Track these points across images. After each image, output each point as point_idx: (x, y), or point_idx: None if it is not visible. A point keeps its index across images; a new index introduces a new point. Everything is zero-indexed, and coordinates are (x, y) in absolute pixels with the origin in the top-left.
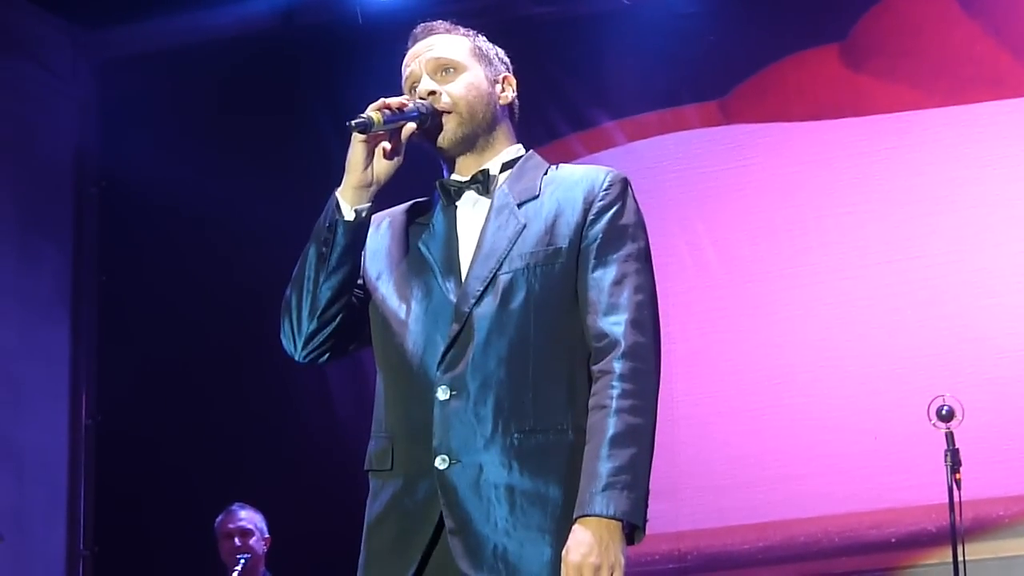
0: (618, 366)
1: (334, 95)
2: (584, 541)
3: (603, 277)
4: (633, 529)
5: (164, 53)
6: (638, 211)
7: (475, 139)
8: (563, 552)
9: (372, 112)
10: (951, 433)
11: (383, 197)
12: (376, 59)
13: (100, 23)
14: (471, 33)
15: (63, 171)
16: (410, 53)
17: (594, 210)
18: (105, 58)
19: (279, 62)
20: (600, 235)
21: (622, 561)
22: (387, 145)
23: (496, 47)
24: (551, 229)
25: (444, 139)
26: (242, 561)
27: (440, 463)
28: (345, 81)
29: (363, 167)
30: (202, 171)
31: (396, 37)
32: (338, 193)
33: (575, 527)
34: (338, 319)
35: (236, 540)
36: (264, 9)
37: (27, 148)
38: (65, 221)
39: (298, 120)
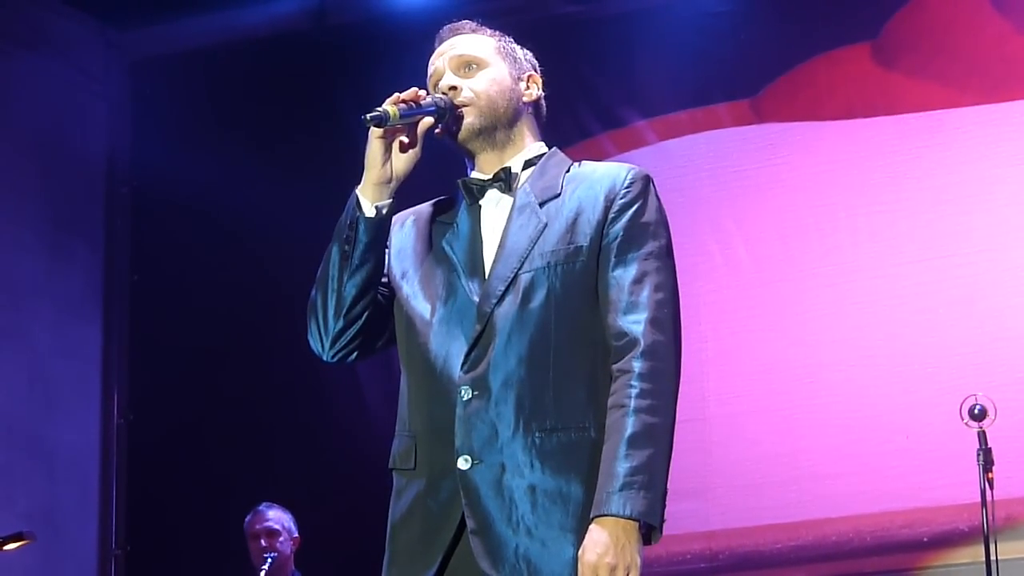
0: (637, 365)
1: (365, 95)
2: (600, 541)
3: (623, 275)
4: (650, 529)
5: (195, 53)
6: (660, 208)
7: (494, 132)
8: (580, 552)
9: (388, 106)
10: (983, 432)
11: (408, 195)
12: (408, 58)
13: (132, 23)
14: (497, 34)
15: (95, 171)
16: (435, 52)
17: (615, 208)
18: (136, 58)
19: (311, 62)
20: (621, 233)
21: (638, 561)
22: (404, 140)
23: (524, 50)
24: (572, 228)
25: (463, 131)
26: (268, 561)
27: (463, 463)
28: (377, 80)
29: (381, 163)
30: (233, 171)
31: (427, 36)
32: (358, 191)
33: (591, 527)
34: (364, 317)
35: (263, 540)
36: (296, 9)
37: (59, 148)
38: (96, 220)
39: (329, 119)
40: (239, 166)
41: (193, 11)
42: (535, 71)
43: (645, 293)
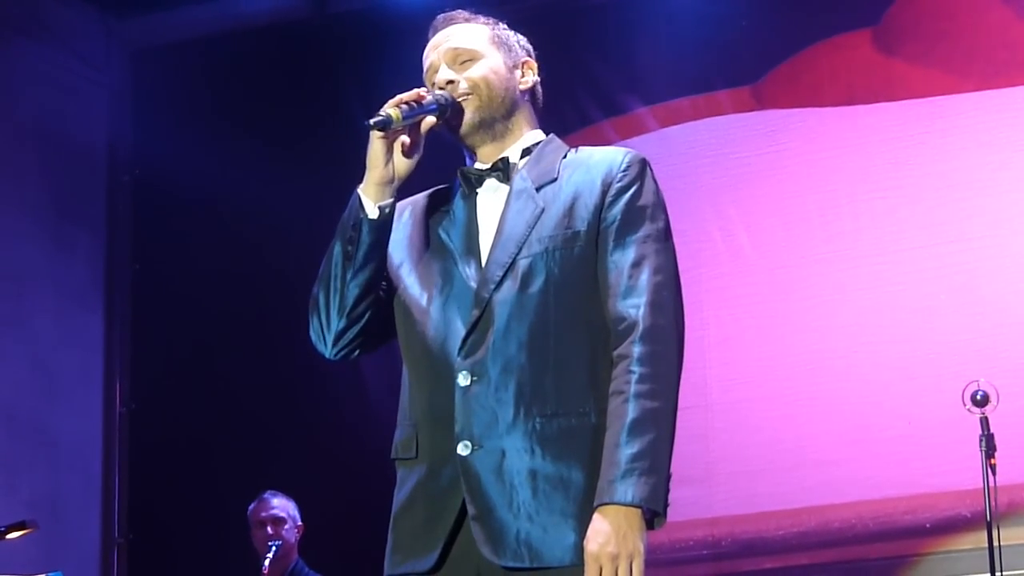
0: (636, 350)
1: (367, 83)
2: (602, 530)
3: (622, 259)
4: (654, 515)
5: (197, 42)
6: (657, 191)
7: (493, 124)
8: (584, 542)
9: (390, 109)
10: (986, 418)
11: (406, 186)
12: (409, 46)
13: (133, 12)
14: (491, 22)
15: (96, 159)
16: (430, 44)
17: (612, 192)
18: (138, 47)
19: (312, 50)
20: (618, 217)
21: (641, 548)
22: (406, 140)
23: (518, 35)
24: (570, 212)
25: (463, 126)
26: (273, 548)
27: (462, 449)
28: (378, 69)
29: (384, 163)
30: (234, 160)
31: (429, 23)
32: (360, 190)
33: (594, 516)
34: (367, 315)
35: (268, 528)
36: None
37: (61, 136)
38: (98, 209)
39: (331, 108)
40: (240, 155)
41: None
42: (530, 57)
43: (644, 276)
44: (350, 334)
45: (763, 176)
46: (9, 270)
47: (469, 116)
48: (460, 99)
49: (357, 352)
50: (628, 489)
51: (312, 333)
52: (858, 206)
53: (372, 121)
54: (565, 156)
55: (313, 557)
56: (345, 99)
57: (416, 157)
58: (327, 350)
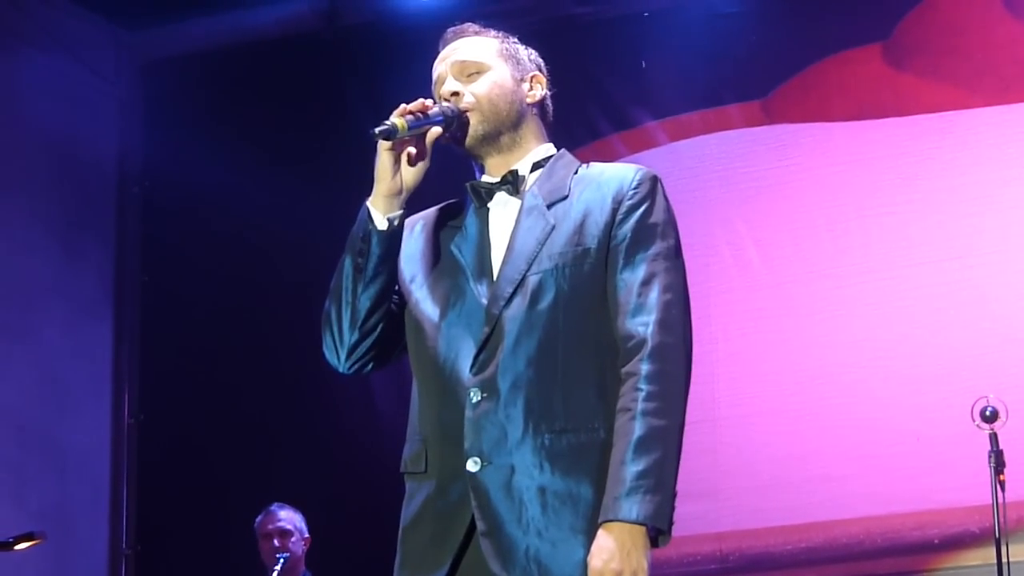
0: (644, 368)
1: (376, 95)
2: (606, 547)
3: (632, 277)
4: (659, 533)
5: (206, 54)
6: (668, 209)
7: (499, 136)
8: (588, 558)
9: (396, 119)
10: (995, 434)
11: (417, 199)
12: (419, 59)
13: (143, 24)
14: (500, 35)
15: (106, 171)
16: (439, 57)
17: (623, 209)
18: (148, 59)
19: (321, 62)
20: (629, 234)
21: (645, 566)
22: (412, 151)
23: (529, 49)
24: (580, 229)
25: (468, 137)
26: (281, 561)
27: (472, 465)
28: (388, 82)
29: (391, 175)
30: (244, 171)
31: (438, 37)
32: (369, 203)
33: (599, 532)
34: (379, 328)
35: (275, 540)
36: (306, 10)
37: (71, 148)
38: (108, 220)
39: (340, 121)
40: (250, 167)
41: (204, 12)
42: (539, 71)
43: (653, 294)
44: (363, 347)
45: (772, 191)
46: (19, 281)
47: (474, 129)
48: (464, 111)
49: (371, 366)
50: (633, 507)
51: (325, 348)
52: (867, 221)
53: (377, 130)
54: (576, 172)
55: (320, 570)
56: (355, 112)
57: (423, 168)
58: (340, 364)
